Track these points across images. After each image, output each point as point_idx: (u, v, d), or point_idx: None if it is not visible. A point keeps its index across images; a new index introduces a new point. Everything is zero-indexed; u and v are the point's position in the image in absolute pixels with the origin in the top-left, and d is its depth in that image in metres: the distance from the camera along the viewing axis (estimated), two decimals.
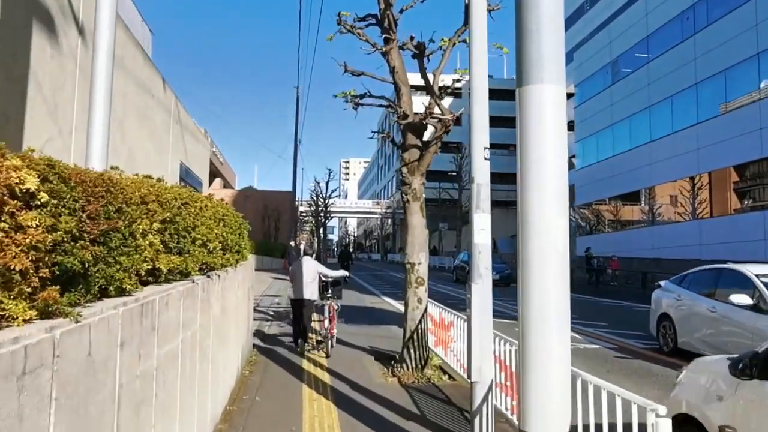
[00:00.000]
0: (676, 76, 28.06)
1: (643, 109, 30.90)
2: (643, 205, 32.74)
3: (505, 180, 73.74)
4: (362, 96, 7.32)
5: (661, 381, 7.22)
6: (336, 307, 8.60)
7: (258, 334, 10.01)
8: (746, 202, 24.82)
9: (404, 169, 7.34)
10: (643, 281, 25.47)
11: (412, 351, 7.20)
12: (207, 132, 60.74)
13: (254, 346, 8.65)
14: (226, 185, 66.49)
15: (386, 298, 18.48)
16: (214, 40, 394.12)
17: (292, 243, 19.10)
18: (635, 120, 31.82)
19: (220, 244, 4.45)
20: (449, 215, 60.71)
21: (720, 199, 26.14)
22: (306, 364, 7.66)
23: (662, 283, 10.20)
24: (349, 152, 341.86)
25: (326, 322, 8.43)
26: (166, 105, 8.28)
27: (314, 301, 8.49)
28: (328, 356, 8.07)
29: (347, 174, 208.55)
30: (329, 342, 8.24)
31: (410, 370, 7.13)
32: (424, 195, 7.43)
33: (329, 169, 53.59)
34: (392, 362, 7.57)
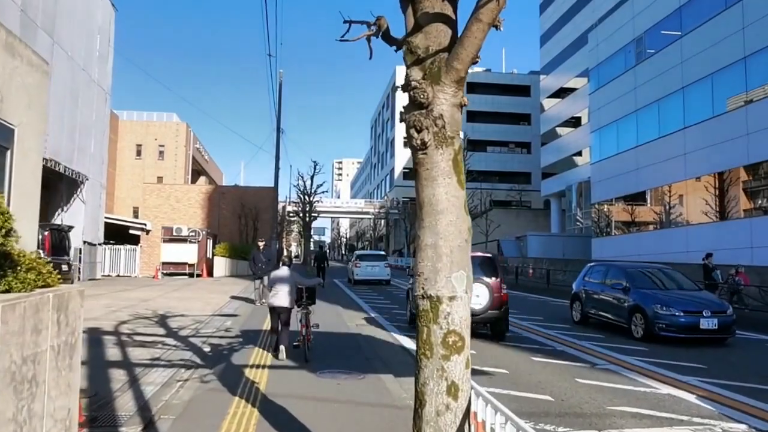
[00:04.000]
0: (716, 51, 23.96)
1: (676, 91, 26.77)
2: (665, 204, 28.57)
3: (505, 179, 69.98)
4: None
5: None
6: (310, 311, 8.74)
7: (146, 407, 5.67)
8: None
9: (414, 72, 3.07)
10: None
11: None
12: (189, 127, 56.59)
13: None
14: (212, 183, 62.09)
15: (376, 316, 14.16)
16: (196, 28, 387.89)
17: (261, 244, 14.56)
18: (666, 104, 27.68)
19: None
20: None
21: None
22: None
23: None
24: (343, 153, 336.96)
25: (304, 330, 8.45)
26: None
27: (291, 308, 8.57)
28: (307, 360, 8.08)
29: (340, 175, 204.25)
30: (305, 347, 8.32)
31: None
32: (461, 137, 3.17)
33: (314, 161, 48.86)
34: None
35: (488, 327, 11.23)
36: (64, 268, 12.63)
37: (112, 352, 8.16)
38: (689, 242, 25.60)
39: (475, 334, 11.15)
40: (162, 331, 10.34)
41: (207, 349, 8.83)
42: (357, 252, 32.31)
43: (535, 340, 11.09)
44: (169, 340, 9.34)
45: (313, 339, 8.85)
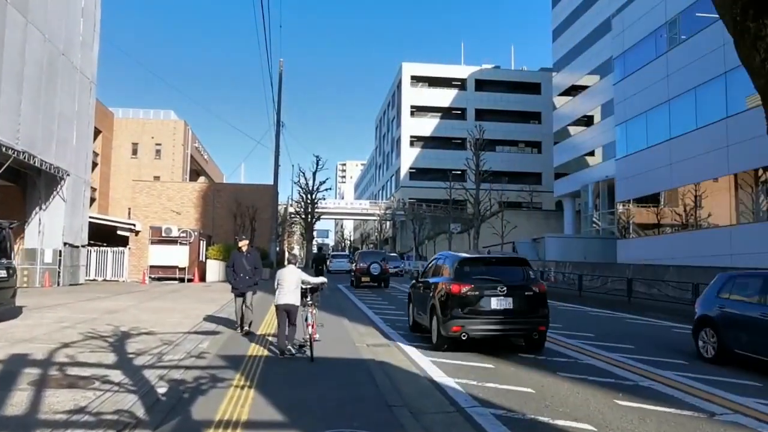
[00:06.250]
0: None
1: (717, 76, 24.19)
2: (703, 202, 25.95)
3: (515, 179, 67.16)
4: None
5: None
6: (315, 312, 8.65)
7: None
8: None
9: None
10: None
11: None
12: (188, 125, 54.21)
13: None
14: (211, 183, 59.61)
15: (392, 332, 11.56)
16: (194, 19, 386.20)
17: (243, 244, 11.49)
18: (704, 91, 25.09)
19: None
20: (459, 218, 53.89)
21: None
22: None
23: None
24: (347, 155, 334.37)
25: (309, 328, 8.26)
26: None
27: (298, 306, 8.49)
28: (312, 360, 7.96)
29: (344, 177, 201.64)
30: (311, 347, 8.16)
31: None
32: None
33: (317, 156, 46.19)
34: None
35: (382, 284, 24.99)
36: (1, 273, 10.07)
37: (18, 399, 5.60)
38: (733, 244, 22.99)
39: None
40: (112, 358, 7.81)
41: (162, 389, 6.26)
42: (331, 253, 49.92)
43: (599, 368, 8.49)
44: (114, 375, 6.79)
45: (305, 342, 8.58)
